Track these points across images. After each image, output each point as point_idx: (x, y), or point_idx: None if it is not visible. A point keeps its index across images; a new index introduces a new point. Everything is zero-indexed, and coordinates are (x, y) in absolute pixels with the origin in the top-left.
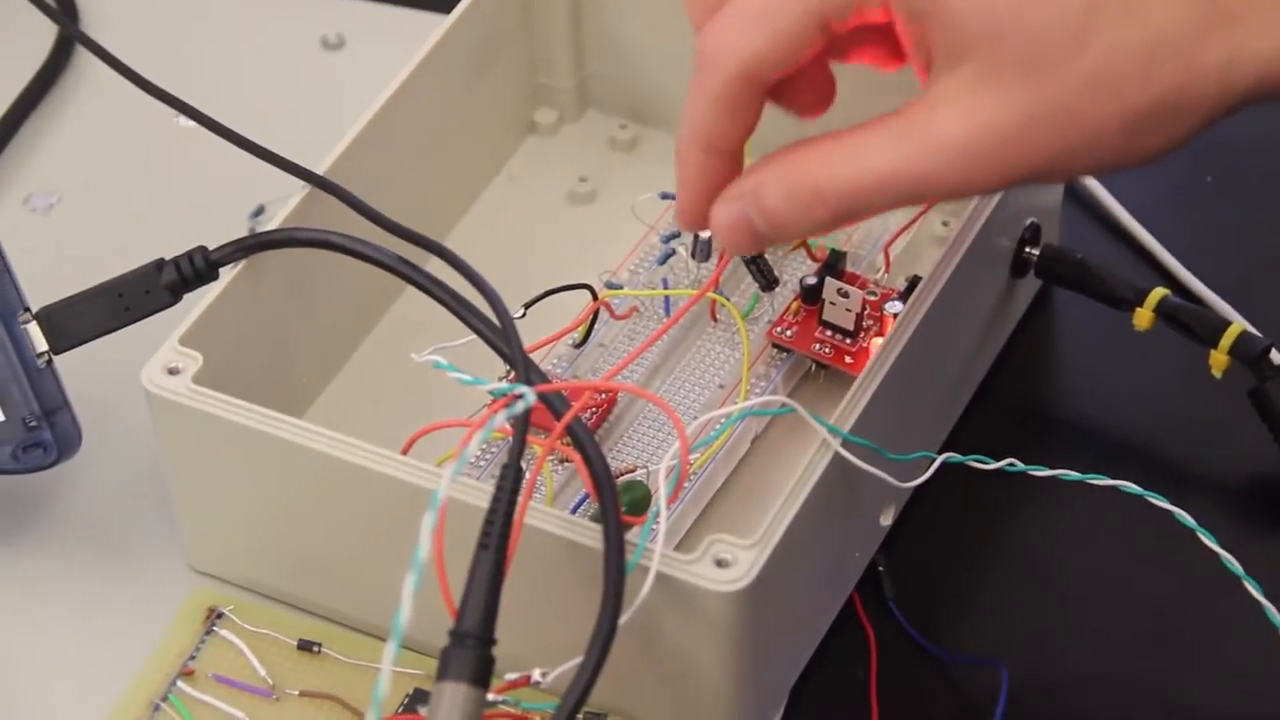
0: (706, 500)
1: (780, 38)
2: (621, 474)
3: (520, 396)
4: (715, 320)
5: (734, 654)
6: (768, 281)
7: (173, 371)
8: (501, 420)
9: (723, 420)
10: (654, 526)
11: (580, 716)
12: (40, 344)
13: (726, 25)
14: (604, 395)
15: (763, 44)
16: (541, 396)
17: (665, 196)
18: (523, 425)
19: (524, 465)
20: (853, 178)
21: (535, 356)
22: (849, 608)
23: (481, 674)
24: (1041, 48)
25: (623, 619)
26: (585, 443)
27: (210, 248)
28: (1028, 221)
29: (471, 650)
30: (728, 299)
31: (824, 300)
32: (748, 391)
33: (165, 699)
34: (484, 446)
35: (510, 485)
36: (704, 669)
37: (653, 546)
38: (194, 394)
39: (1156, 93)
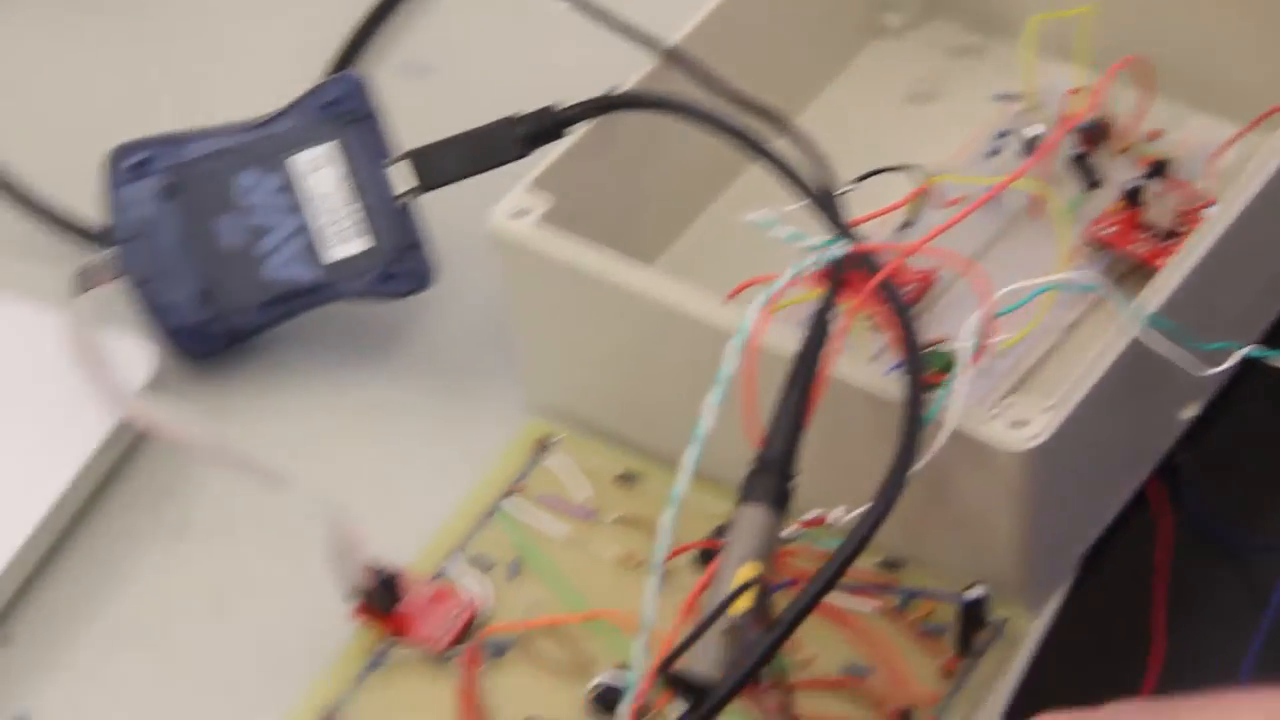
0: (1011, 382)
1: None
2: (931, 344)
3: (835, 249)
4: (1037, 216)
5: (1023, 513)
6: (1092, 181)
7: (520, 213)
8: (812, 263)
9: (1028, 291)
10: (954, 382)
11: (878, 560)
12: (404, 184)
13: None
14: (922, 273)
15: None
16: (856, 253)
17: (1000, 98)
18: (835, 276)
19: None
20: None
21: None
22: (1144, 494)
23: (780, 501)
24: None
25: (916, 468)
26: (895, 299)
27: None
28: None
29: (773, 478)
30: (1056, 198)
31: (1146, 202)
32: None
33: (496, 511)
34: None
35: (819, 330)
36: (994, 526)
37: (951, 402)
38: (539, 235)
39: None
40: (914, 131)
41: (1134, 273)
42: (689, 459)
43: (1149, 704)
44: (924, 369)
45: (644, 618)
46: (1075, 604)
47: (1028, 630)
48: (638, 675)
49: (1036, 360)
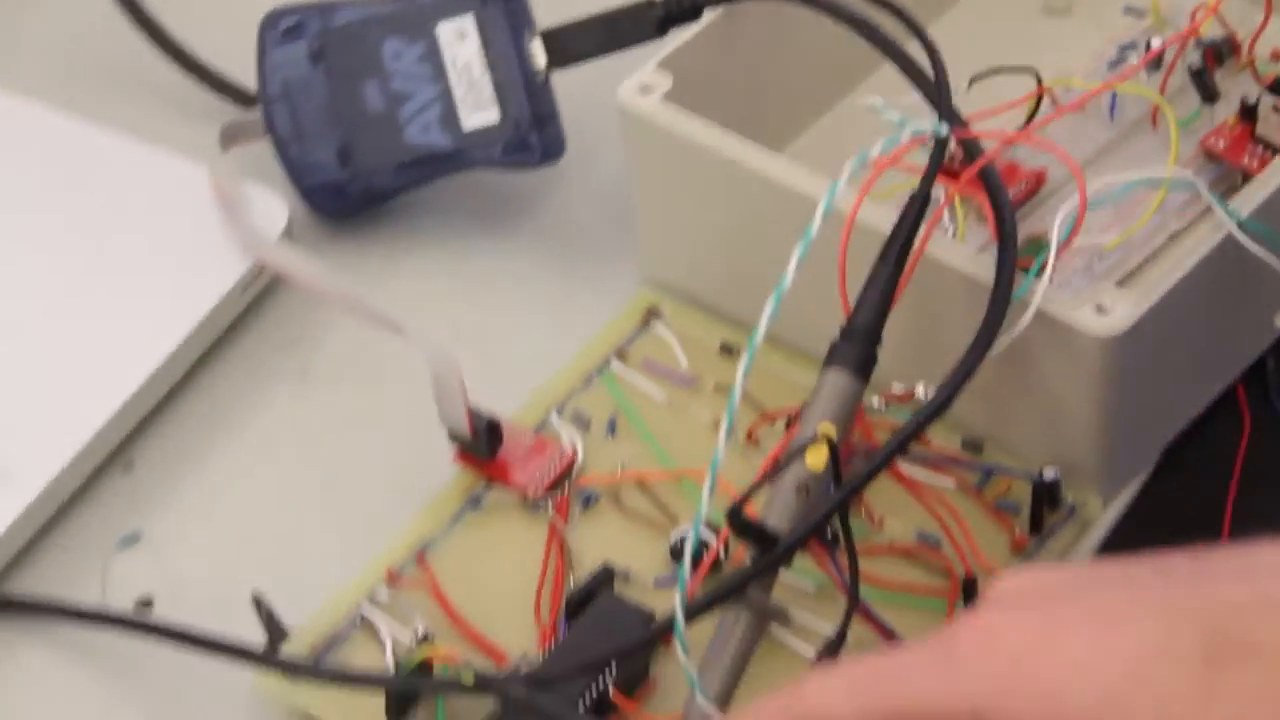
0: (1109, 284)
1: None
2: (1031, 239)
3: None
4: (1154, 126)
5: (1102, 399)
6: (1209, 94)
7: (647, 90)
8: (908, 134)
9: (1121, 184)
10: (1044, 262)
11: (958, 439)
12: (541, 59)
13: None
14: (1033, 172)
15: None
16: (959, 137)
17: (1129, 11)
18: (936, 158)
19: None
20: None
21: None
22: (1232, 395)
23: (863, 367)
24: (1171, 703)
25: (999, 345)
26: (993, 182)
27: None
28: None
29: (857, 345)
30: (1168, 108)
31: (1261, 118)
32: (1166, 195)
33: (599, 373)
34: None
35: (917, 209)
36: (1074, 411)
37: (1038, 285)
38: (663, 111)
39: None
40: (1046, 43)
41: (1242, 186)
42: (768, 309)
43: (1168, 558)
44: (1015, 251)
45: (713, 462)
46: (1150, 496)
47: (1099, 516)
48: (701, 519)
49: (1137, 265)
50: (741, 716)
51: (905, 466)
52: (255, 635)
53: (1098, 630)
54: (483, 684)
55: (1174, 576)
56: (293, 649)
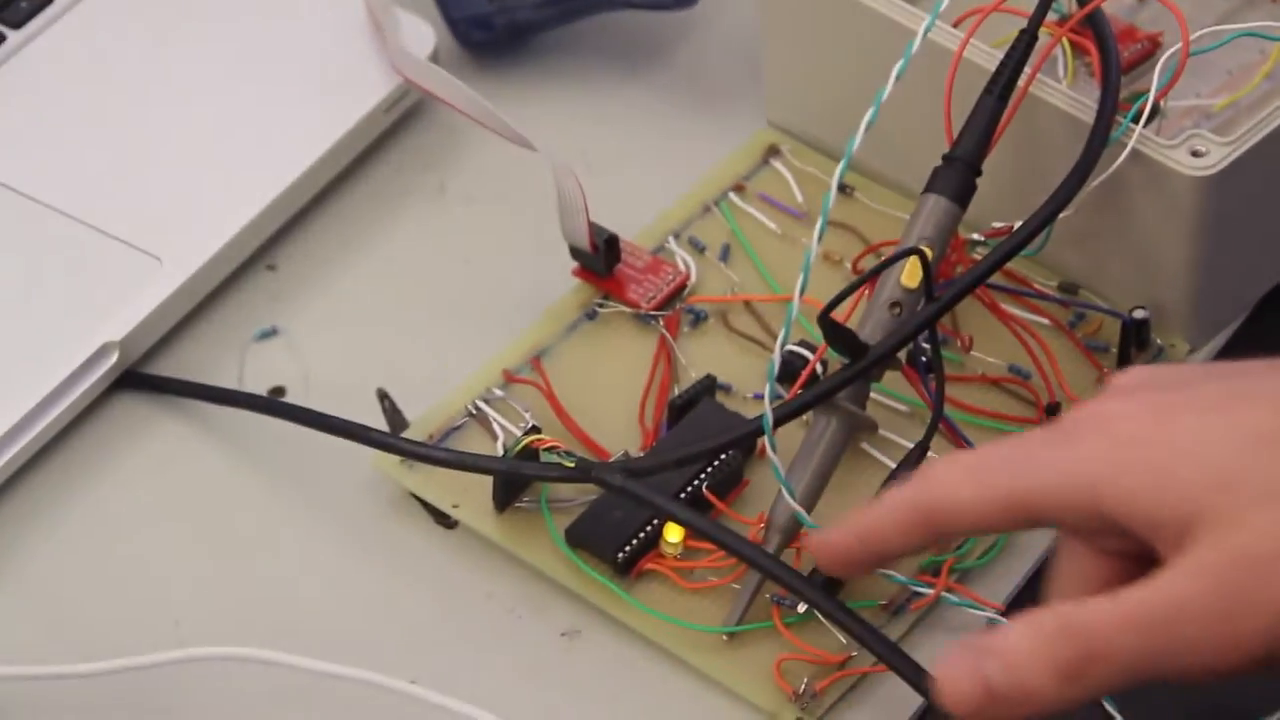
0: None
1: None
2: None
3: None
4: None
5: (1195, 242)
6: None
7: None
8: None
9: (1225, 35)
10: (1141, 107)
11: (1055, 284)
12: None
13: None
14: (1150, 34)
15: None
16: None
17: None
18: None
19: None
20: (1102, 611)
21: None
22: None
23: (963, 194)
24: (1278, 483)
25: (1094, 182)
26: (1101, 27)
27: None
28: None
29: (957, 172)
30: None
31: None
32: (1277, 60)
33: (717, 203)
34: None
35: (1023, 47)
36: (1166, 254)
37: (1135, 126)
38: None
39: None
40: None
41: None
42: (866, 118)
43: (1166, 368)
44: (1117, 89)
45: (805, 264)
46: (1238, 347)
47: (1185, 359)
48: (787, 331)
49: (1246, 131)
50: (872, 508)
51: (1002, 302)
52: (379, 423)
53: (1209, 415)
54: (583, 469)
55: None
56: (412, 435)
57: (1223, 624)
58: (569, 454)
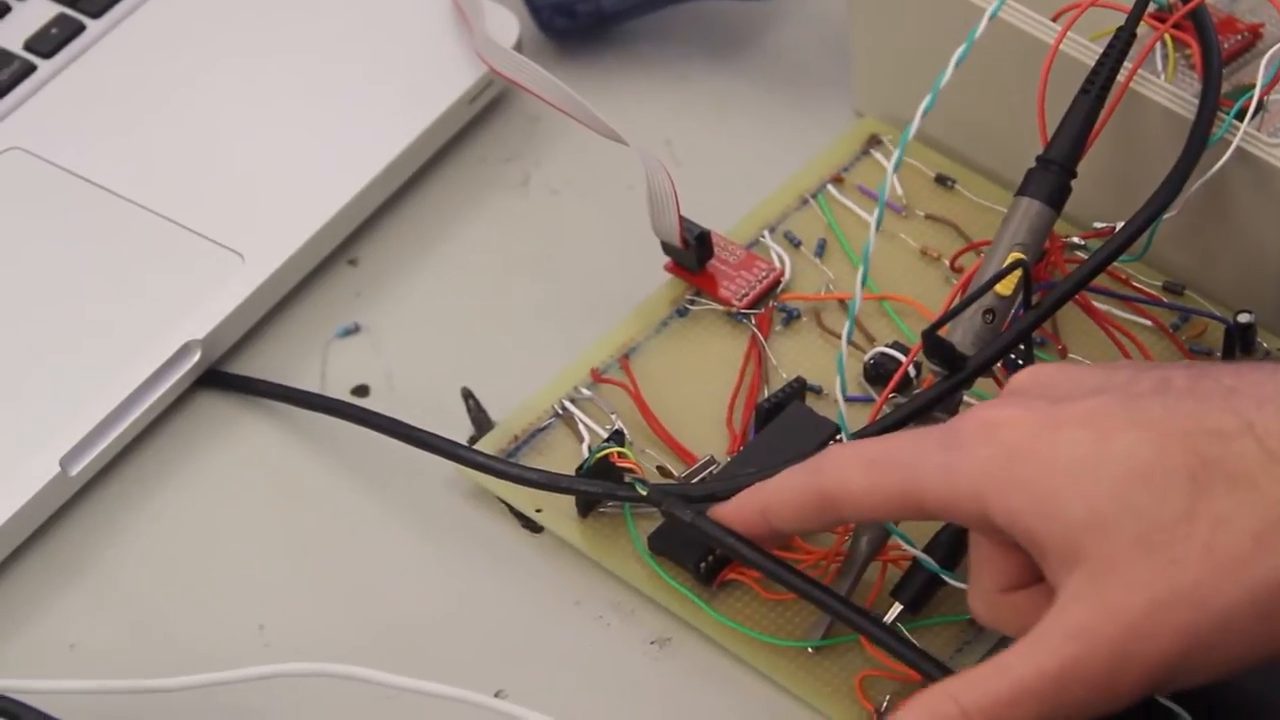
0: None
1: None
2: (1239, 88)
3: None
4: None
5: None
6: None
7: None
8: None
9: None
10: (1245, 104)
11: (1160, 283)
12: None
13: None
14: (1251, 25)
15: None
16: None
17: None
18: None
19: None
20: (992, 689)
21: None
22: None
23: (1057, 197)
24: (1152, 528)
25: (1197, 182)
26: (1203, 22)
27: None
28: None
29: (1051, 174)
30: None
31: None
32: None
33: (814, 196)
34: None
35: (1121, 45)
36: (1273, 254)
37: (1239, 124)
38: None
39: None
40: None
41: None
42: (924, 105)
43: (1170, 370)
44: (1219, 87)
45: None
46: None
47: None
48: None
49: None
50: (773, 484)
51: (1103, 304)
52: (463, 423)
53: (1093, 434)
54: (654, 498)
55: (1170, 394)
56: (497, 437)
57: (1106, 682)
58: (642, 481)
